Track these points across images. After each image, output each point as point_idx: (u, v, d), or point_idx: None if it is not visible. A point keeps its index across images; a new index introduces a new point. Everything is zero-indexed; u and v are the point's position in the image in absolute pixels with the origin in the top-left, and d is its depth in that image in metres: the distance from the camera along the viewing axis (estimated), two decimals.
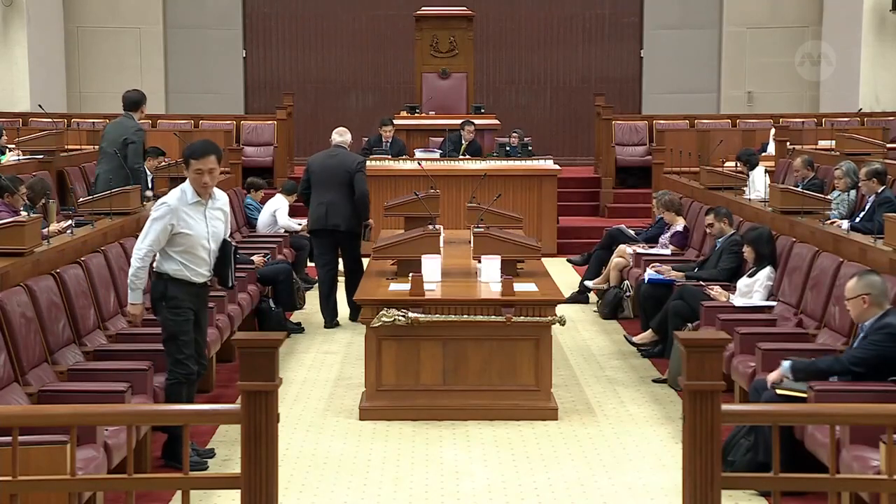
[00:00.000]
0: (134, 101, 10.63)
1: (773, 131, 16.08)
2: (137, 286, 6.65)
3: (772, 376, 6.43)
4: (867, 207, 9.96)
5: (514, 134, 16.56)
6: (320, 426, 7.60)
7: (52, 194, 10.60)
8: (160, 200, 6.65)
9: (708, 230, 9.83)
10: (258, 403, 3.92)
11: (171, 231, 6.43)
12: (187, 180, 6.53)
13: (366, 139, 16.65)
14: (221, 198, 6.70)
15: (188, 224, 6.46)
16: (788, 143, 14.79)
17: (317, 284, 11.09)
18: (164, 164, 12.59)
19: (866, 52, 18.86)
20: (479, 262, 8.27)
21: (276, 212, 12.66)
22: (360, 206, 10.44)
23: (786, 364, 6.41)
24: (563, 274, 12.60)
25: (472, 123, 16.12)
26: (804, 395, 6.15)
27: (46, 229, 8.17)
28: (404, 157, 15.48)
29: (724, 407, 3.87)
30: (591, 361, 9.40)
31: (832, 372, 6.26)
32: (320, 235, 10.69)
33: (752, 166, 12.74)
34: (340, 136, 10.78)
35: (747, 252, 8.74)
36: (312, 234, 10.88)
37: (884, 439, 4.53)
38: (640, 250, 11.01)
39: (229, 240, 6.66)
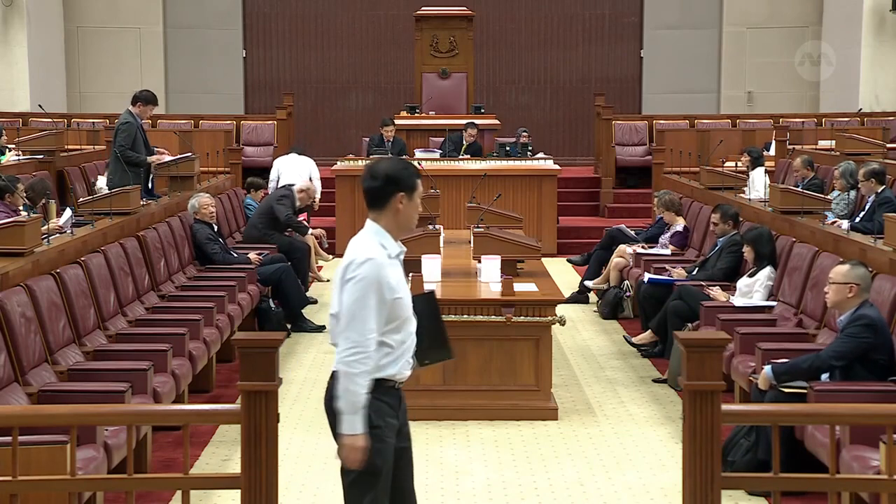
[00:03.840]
0: (133, 97, 10.84)
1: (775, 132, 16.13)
2: (358, 406, 4.15)
3: (760, 384, 6.41)
4: (867, 207, 9.96)
5: (524, 133, 16.52)
6: (320, 426, 7.58)
7: (52, 194, 10.62)
8: (351, 258, 4.23)
9: (712, 227, 9.79)
10: (258, 403, 3.92)
11: (390, 298, 4.21)
12: (370, 221, 4.30)
13: (366, 139, 16.66)
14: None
15: (399, 285, 4.25)
16: (788, 143, 14.80)
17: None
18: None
19: (866, 52, 18.85)
20: (479, 262, 8.27)
21: (312, 173, 13.98)
22: None
23: (767, 369, 6.36)
24: (563, 274, 12.61)
25: (475, 126, 16.10)
26: (805, 392, 6.15)
27: (46, 227, 8.16)
28: (404, 156, 15.48)
29: (724, 407, 3.88)
30: (591, 361, 9.40)
31: (814, 369, 6.24)
32: None
33: (757, 164, 12.78)
34: None
35: (747, 252, 8.73)
36: None
37: (884, 439, 4.53)
38: (640, 250, 11.00)
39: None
